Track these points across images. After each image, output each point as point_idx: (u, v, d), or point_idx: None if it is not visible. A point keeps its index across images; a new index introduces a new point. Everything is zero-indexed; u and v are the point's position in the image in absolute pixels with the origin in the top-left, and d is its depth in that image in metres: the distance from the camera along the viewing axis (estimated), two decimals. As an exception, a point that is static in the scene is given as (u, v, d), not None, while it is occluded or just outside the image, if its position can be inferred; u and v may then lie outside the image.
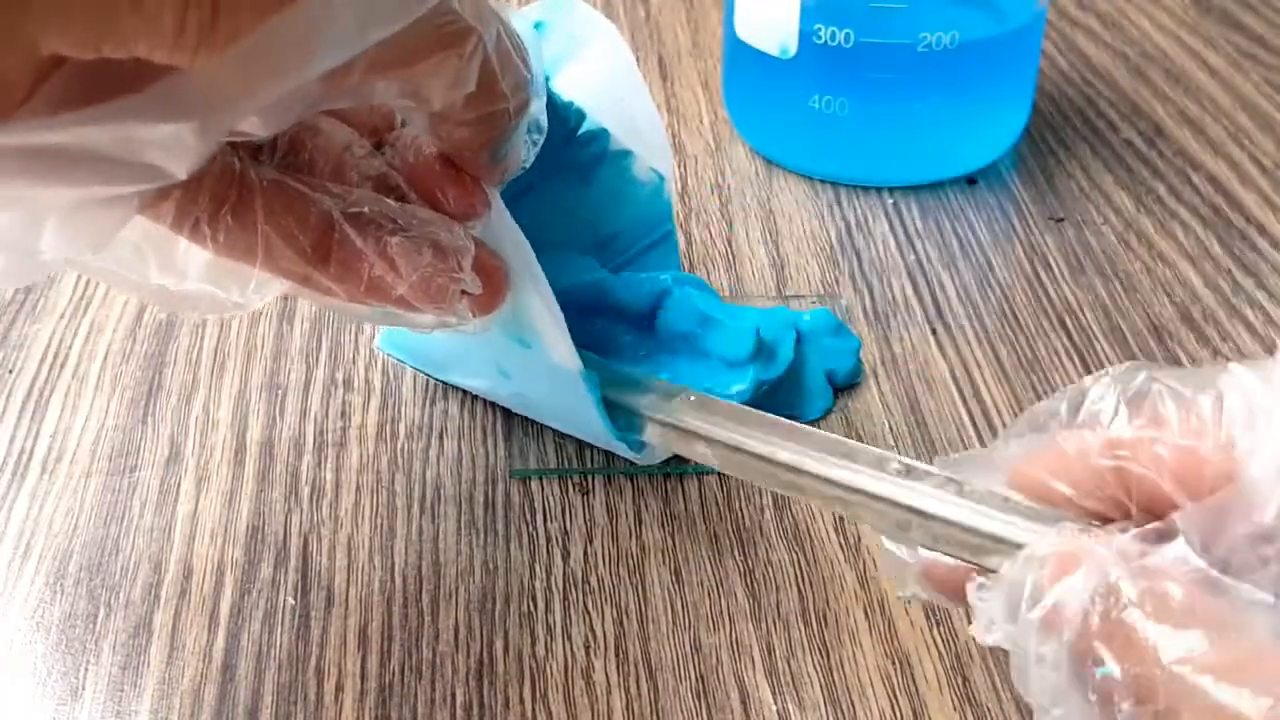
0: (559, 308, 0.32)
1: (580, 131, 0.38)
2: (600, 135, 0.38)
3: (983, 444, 0.37)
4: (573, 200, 0.39)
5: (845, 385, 0.39)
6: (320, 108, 0.27)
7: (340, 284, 0.30)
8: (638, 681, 0.31)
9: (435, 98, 0.27)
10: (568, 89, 0.37)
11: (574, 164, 0.38)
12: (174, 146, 0.23)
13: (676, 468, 0.37)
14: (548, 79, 0.36)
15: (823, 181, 0.49)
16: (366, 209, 0.29)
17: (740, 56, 0.49)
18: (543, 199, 0.38)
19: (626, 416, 0.35)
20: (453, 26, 0.26)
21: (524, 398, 0.37)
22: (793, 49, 0.46)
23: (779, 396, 0.38)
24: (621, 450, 0.35)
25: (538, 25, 0.37)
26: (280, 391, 0.39)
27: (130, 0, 0.20)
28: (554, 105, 0.36)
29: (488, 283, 0.31)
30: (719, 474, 0.37)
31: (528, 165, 0.32)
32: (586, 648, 0.32)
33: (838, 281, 0.44)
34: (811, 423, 0.38)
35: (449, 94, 0.27)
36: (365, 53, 0.24)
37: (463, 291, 0.31)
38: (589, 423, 0.35)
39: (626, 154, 0.39)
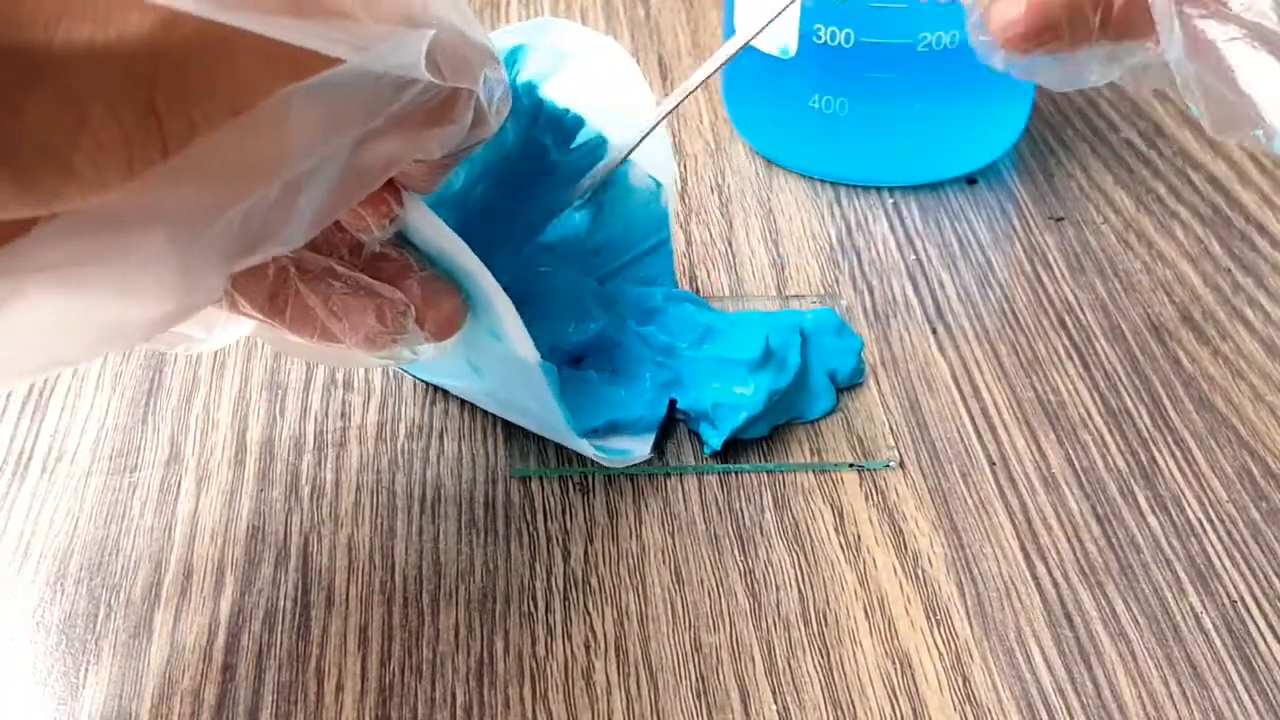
0: (507, 297, 0.32)
1: (578, 138, 0.38)
2: (599, 142, 0.38)
3: (982, 444, 0.38)
4: (566, 204, 0.39)
5: (847, 385, 0.39)
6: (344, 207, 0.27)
7: (296, 332, 0.31)
8: (638, 681, 0.31)
9: (433, 152, 0.28)
10: (563, 98, 0.37)
11: (570, 170, 0.38)
12: (160, 269, 0.23)
13: (676, 468, 0.37)
14: (538, 97, 0.37)
15: (823, 181, 0.49)
16: (316, 268, 0.30)
17: (740, 56, 0.49)
18: (538, 203, 0.38)
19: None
20: (438, 99, 0.26)
21: (494, 396, 0.37)
22: (793, 49, 0.46)
23: (783, 397, 0.38)
24: (586, 449, 0.35)
25: (517, 49, 0.37)
26: (280, 391, 0.39)
27: (60, 174, 0.20)
28: (550, 113, 0.37)
29: (438, 313, 0.32)
30: (719, 474, 0.37)
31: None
32: (587, 648, 0.32)
33: (838, 281, 0.44)
34: (814, 422, 0.38)
35: (444, 148, 0.28)
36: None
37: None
38: (552, 420, 0.35)
39: (624, 162, 0.39)
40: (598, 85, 0.38)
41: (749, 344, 0.37)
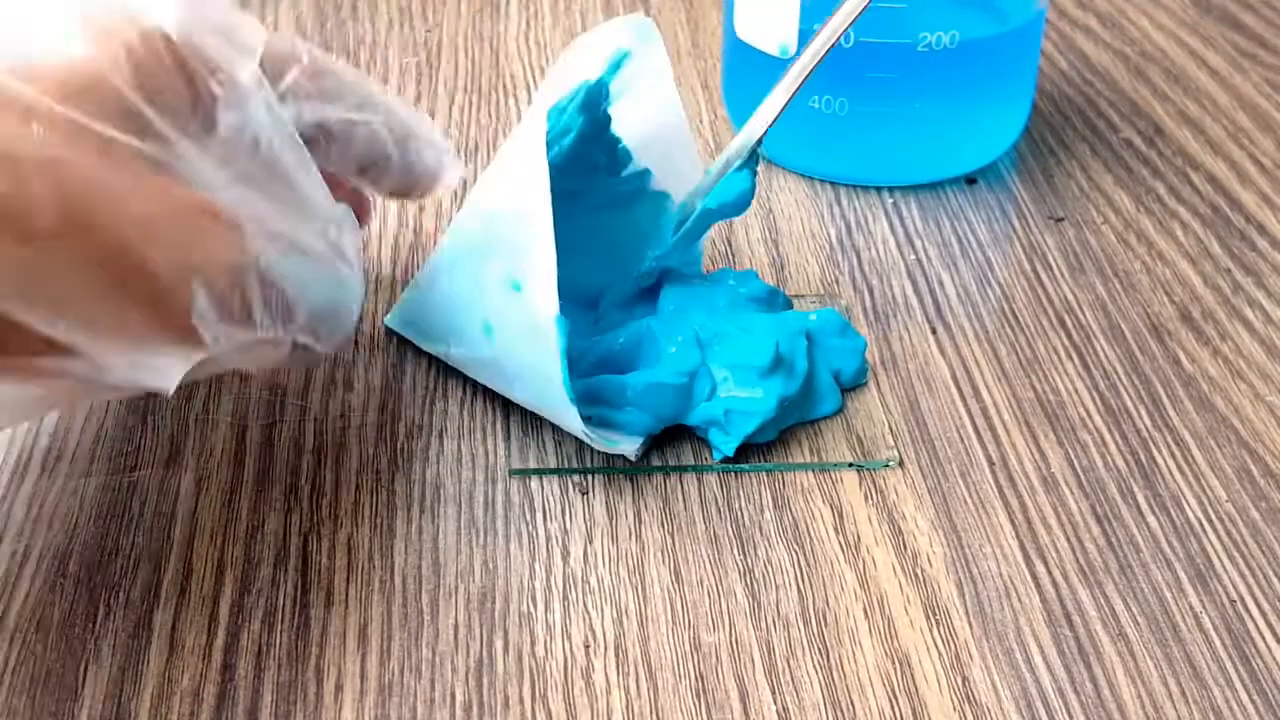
0: (554, 250, 0.33)
1: (624, 171, 0.40)
2: (643, 175, 0.41)
3: (982, 444, 0.38)
4: (614, 228, 0.40)
5: (851, 386, 0.39)
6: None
7: None
8: (637, 681, 0.31)
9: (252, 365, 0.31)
10: (620, 129, 0.40)
11: (618, 195, 0.41)
12: None
13: (676, 467, 0.37)
14: (608, 111, 0.39)
15: (823, 181, 0.49)
16: None
17: (740, 56, 0.49)
18: (595, 222, 0.40)
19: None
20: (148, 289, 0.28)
21: (498, 366, 0.37)
22: (792, 48, 0.46)
23: (792, 401, 0.38)
24: (576, 424, 0.35)
25: (624, 56, 0.39)
26: (280, 391, 0.39)
27: None
28: (612, 135, 0.40)
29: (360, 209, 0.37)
30: (719, 474, 0.37)
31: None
32: (586, 647, 0.32)
33: (837, 281, 0.44)
34: (814, 422, 0.38)
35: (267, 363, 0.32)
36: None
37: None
38: (548, 390, 0.34)
39: (664, 196, 0.41)
40: (651, 124, 0.40)
41: (759, 349, 0.37)
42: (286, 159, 0.32)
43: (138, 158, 0.28)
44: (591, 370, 0.38)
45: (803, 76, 0.39)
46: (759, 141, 0.39)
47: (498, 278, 0.35)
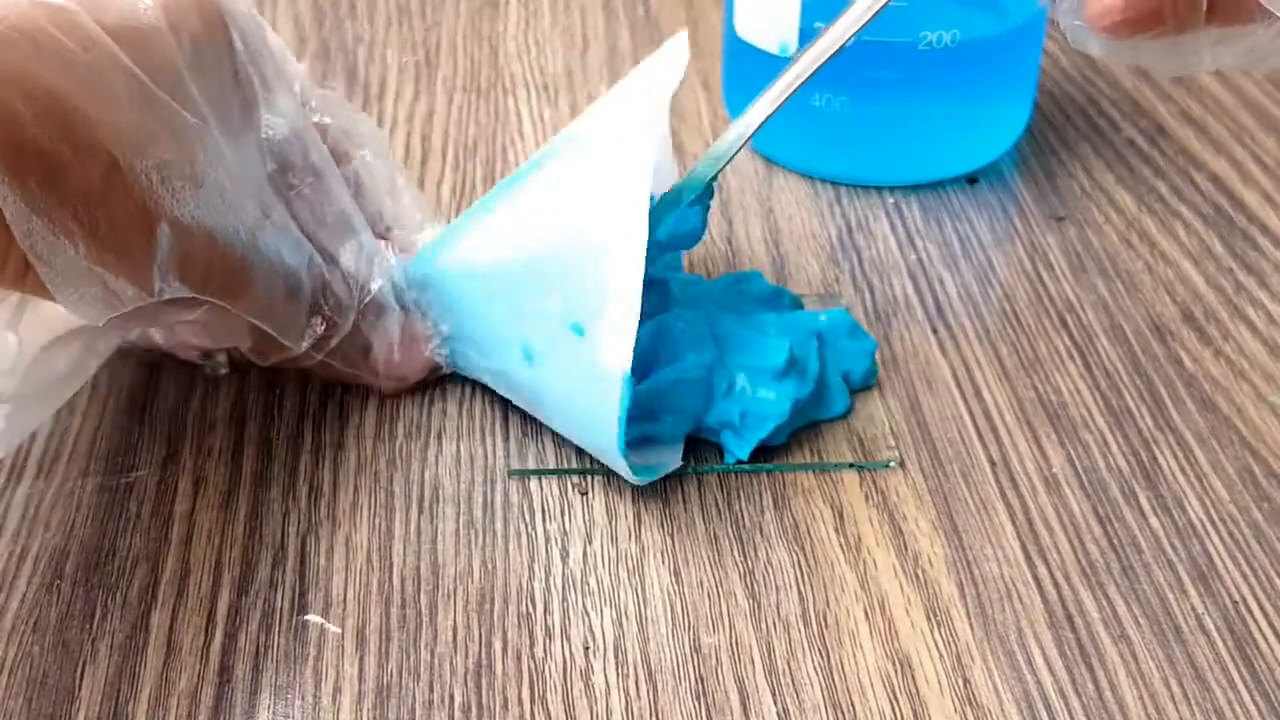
0: (638, 306, 0.33)
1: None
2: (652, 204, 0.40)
3: (983, 444, 0.37)
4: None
5: (860, 387, 0.39)
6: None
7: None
8: (637, 683, 0.31)
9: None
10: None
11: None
12: None
13: (676, 468, 0.37)
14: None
15: (823, 181, 0.49)
16: None
17: (740, 55, 0.49)
18: None
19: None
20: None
21: (532, 390, 0.36)
22: (793, 47, 0.46)
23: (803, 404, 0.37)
24: (621, 468, 0.35)
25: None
26: (278, 391, 0.39)
27: None
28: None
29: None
30: (718, 474, 0.36)
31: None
32: (585, 649, 0.32)
33: (838, 281, 0.44)
34: (815, 422, 0.38)
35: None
36: None
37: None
38: (599, 431, 0.34)
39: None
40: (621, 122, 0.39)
41: (772, 352, 0.37)
42: (327, 173, 0.36)
43: (168, 118, 0.30)
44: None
45: (803, 78, 0.38)
46: (747, 142, 0.38)
47: (556, 312, 0.34)
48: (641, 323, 0.37)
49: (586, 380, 0.34)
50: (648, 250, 0.33)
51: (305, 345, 0.36)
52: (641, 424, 0.36)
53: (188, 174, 0.31)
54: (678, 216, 0.38)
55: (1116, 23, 0.31)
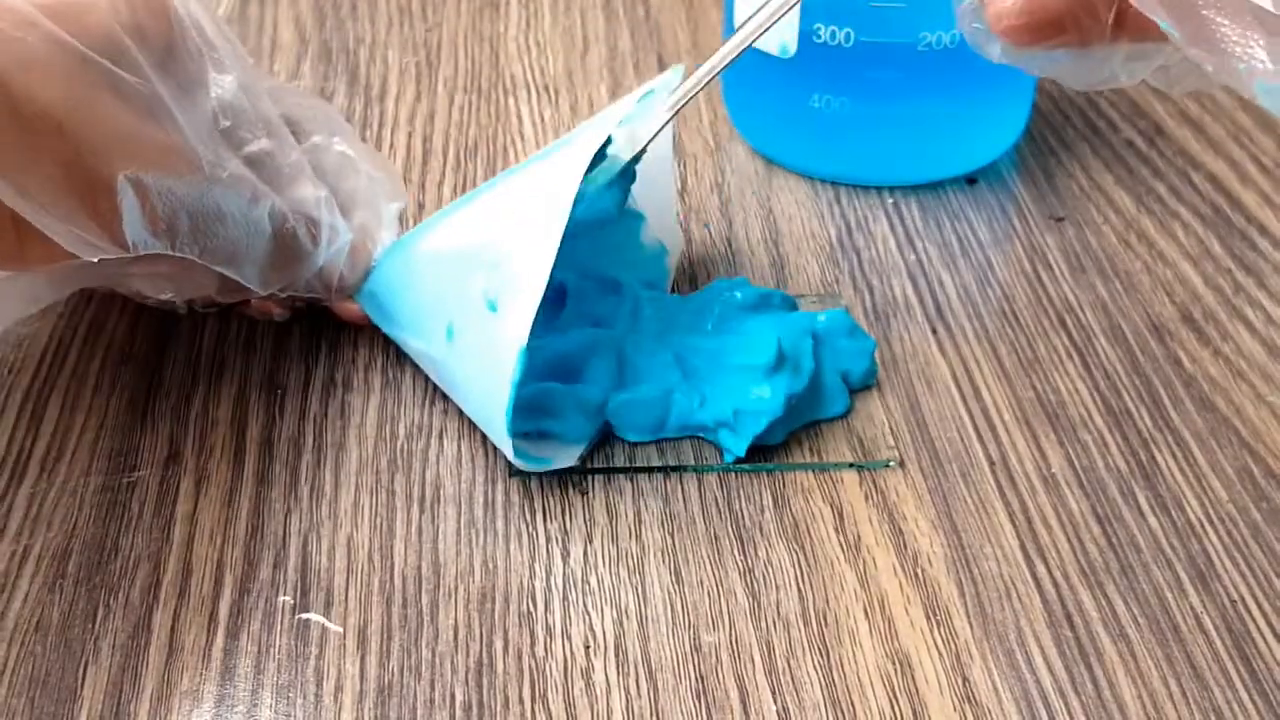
0: (543, 290, 0.33)
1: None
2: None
3: (982, 444, 0.37)
4: (590, 240, 0.40)
5: (860, 387, 0.39)
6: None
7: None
8: (637, 682, 0.31)
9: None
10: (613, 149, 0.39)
11: (617, 235, 0.42)
12: None
13: (676, 467, 0.37)
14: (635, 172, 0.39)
15: (823, 181, 0.49)
16: None
17: (740, 55, 0.49)
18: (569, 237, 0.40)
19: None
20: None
21: (447, 366, 0.37)
22: (793, 48, 0.46)
23: (799, 402, 0.37)
24: (504, 444, 0.35)
25: (648, 93, 0.39)
26: (280, 391, 0.39)
27: None
28: (634, 176, 0.40)
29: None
30: (718, 474, 0.37)
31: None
32: (586, 648, 0.32)
33: (838, 281, 0.44)
34: (814, 422, 0.38)
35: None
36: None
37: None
38: (493, 403, 0.34)
39: (639, 216, 0.42)
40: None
41: (760, 348, 0.37)
42: (278, 125, 0.38)
43: (111, 83, 0.32)
44: (542, 369, 0.38)
45: (757, 34, 0.38)
46: (667, 124, 0.38)
47: (478, 288, 0.35)
48: (574, 333, 0.38)
49: (489, 356, 0.34)
50: (568, 227, 0.34)
51: (272, 289, 0.38)
52: (539, 419, 0.37)
53: (138, 134, 0.32)
54: (593, 196, 0.39)
55: (1014, 27, 0.29)
